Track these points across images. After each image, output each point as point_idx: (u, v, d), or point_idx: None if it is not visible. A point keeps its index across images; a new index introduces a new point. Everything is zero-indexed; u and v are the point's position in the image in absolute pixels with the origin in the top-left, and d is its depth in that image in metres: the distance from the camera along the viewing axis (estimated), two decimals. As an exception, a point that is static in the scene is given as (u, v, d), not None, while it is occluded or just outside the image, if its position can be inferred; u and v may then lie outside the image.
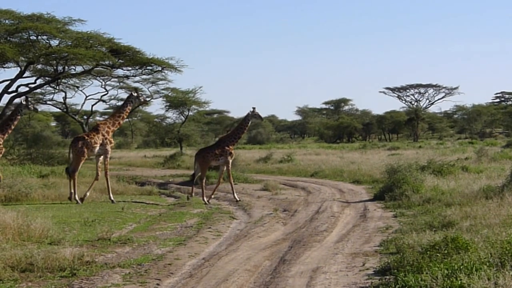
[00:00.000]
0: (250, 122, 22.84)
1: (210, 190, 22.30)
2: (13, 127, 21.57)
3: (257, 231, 15.15)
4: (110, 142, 21.19)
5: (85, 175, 25.69)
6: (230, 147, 22.08)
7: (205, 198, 21.15)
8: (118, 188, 23.20)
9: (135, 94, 21.97)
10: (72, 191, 20.45)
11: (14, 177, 23.17)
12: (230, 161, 22.05)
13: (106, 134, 21.08)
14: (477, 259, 9.59)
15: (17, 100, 40.14)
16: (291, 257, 11.96)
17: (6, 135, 21.40)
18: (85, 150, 20.64)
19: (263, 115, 23.40)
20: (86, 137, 20.88)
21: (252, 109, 22.65)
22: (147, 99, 22.04)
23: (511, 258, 9.48)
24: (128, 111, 22.06)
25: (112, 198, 20.79)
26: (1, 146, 20.99)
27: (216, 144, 22.63)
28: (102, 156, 21.29)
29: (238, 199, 21.42)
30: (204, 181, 21.86)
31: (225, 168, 22.06)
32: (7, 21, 37.54)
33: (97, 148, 20.90)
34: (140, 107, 66.15)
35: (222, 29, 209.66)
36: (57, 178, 25.54)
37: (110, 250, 12.51)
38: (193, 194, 21.96)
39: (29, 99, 21.66)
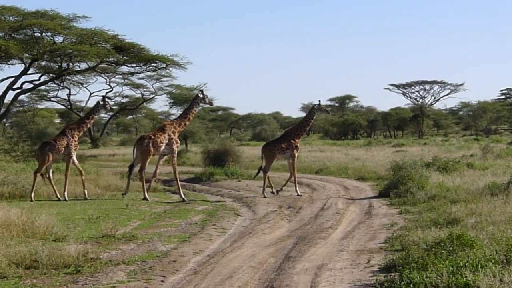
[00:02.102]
0: (315, 116, 22.93)
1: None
2: (89, 125, 22.05)
3: (261, 228, 15.13)
4: (176, 142, 21.45)
5: (89, 172, 25.65)
6: (296, 140, 22.24)
7: (265, 191, 21.53)
8: (122, 185, 23.16)
9: (201, 96, 22.04)
10: (145, 190, 20.74)
11: (18, 174, 23.14)
12: (296, 154, 22.21)
13: (172, 134, 21.32)
14: (483, 256, 9.56)
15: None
16: (296, 254, 11.94)
17: (82, 132, 21.76)
18: (151, 148, 20.90)
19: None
20: (152, 136, 21.13)
21: (318, 103, 22.75)
22: (213, 100, 22.15)
23: (516, 255, 9.45)
24: (195, 112, 22.29)
25: (184, 197, 21.06)
26: (77, 143, 21.34)
27: (281, 137, 22.81)
28: (166, 156, 21.64)
29: (299, 193, 21.51)
30: (267, 174, 21.94)
31: (291, 161, 22.16)
32: (11, 18, 37.58)
33: (163, 147, 21.15)
34: (144, 103, 66.31)
35: (227, 25, 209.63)
36: (62, 175, 25.49)
37: (114, 247, 12.50)
38: (270, 186, 21.99)
39: (106, 99, 22.18)
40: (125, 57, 41.08)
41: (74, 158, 21.15)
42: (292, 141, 22.05)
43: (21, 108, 77.29)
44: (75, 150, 21.13)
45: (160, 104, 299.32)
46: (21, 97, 51.76)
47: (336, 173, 29.06)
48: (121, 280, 9.96)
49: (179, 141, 21.72)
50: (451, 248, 10.19)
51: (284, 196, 21.57)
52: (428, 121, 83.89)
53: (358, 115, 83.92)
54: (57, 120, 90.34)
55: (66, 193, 20.48)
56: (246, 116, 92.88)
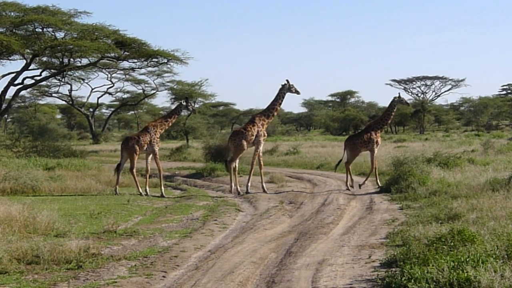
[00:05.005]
0: (395, 109, 23.15)
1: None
2: (170, 124, 22.49)
3: (263, 223, 15.13)
4: (264, 135, 21.87)
5: (90, 167, 25.66)
6: (377, 133, 22.46)
7: (348, 185, 21.65)
8: (123, 181, 23.19)
9: (287, 86, 22.06)
10: (233, 184, 21.46)
11: (20, 169, 23.16)
12: (376, 148, 22.44)
13: (261, 126, 21.73)
14: (484, 251, 9.56)
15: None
16: (297, 249, 11.95)
17: (163, 130, 22.17)
18: (244, 143, 21.39)
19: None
20: (244, 131, 21.55)
21: (398, 96, 23.05)
22: (298, 90, 22.32)
23: (517, 250, 9.45)
24: (281, 103, 22.38)
25: (266, 189, 21.49)
26: (158, 139, 21.89)
27: (364, 130, 23.00)
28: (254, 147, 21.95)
29: (379, 184, 21.64)
30: (350, 166, 22.13)
31: (372, 154, 22.36)
32: (12, 14, 37.63)
33: (253, 139, 21.59)
34: (146, 99, 66.31)
35: (228, 21, 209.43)
36: (63, 170, 25.57)
37: (116, 242, 12.52)
38: (351, 180, 22.12)
39: (189, 100, 22.67)
40: (126, 53, 41.13)
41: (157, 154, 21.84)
42: (374, 135, 22.24)
43: (22, 104, 77.34)
44: (157, 146, 21.73)
45: (162, 100, 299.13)
46: (23, 92, 51.92)
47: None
48: (122, 275, 9.98)
49: (266, 134, 22.14)
50: (452, 244, 10.18)
51: (285, 191, 21.57)
52: (429, 116, 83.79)
53: (359, 110, 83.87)
54: (59, 116, 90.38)
55: (147, 187, 21.34)
56: (247, 111, 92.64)
